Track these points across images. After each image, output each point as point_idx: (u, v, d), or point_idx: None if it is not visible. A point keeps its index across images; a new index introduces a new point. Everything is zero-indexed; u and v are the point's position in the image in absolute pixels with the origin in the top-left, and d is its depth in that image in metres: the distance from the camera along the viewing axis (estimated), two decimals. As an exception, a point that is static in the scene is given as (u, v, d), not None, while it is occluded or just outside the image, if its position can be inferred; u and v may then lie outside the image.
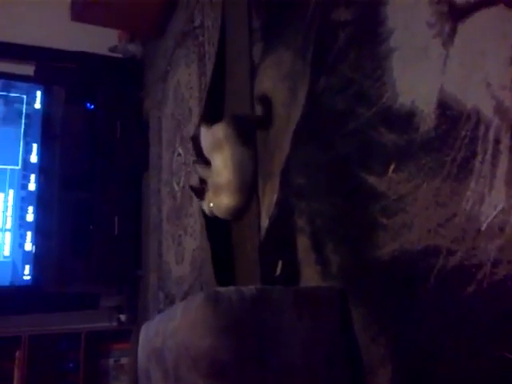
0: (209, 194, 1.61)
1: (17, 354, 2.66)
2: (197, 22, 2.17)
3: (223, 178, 1.52)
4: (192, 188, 1.75)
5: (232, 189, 1.52)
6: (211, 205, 1.60)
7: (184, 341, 0.94)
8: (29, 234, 2.76)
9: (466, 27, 0.83)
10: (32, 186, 2.81)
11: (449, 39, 0.86)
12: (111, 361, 2.92)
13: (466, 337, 0.79)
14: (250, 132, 1.53)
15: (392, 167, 0.96)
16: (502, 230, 0.74)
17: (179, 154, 2.34)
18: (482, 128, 0.78)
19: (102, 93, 2.98)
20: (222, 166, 1.52)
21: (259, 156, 1.52)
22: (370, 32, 1.05)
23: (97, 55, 3.12)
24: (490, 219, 0.76)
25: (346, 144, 1.11)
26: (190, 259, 2.11)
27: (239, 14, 1.71)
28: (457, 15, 0.84)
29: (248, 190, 1.52)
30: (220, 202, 1.56)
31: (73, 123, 2.91)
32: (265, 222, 1.45)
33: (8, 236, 2.73)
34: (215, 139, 1.54)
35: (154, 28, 2.73)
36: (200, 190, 1.66)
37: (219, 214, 1.60)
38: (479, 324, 0.77)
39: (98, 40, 3.10)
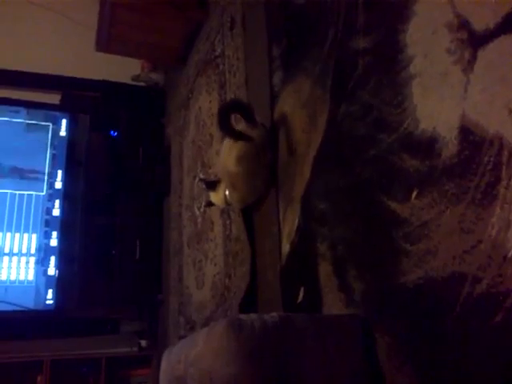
0: (222, 184, 1.68)
1: (38, 378, 2.67)
2: (218, 52, 2.22)
3: (233, 173, 1.58)
4: (203, 180, 1.81)
5: (240, 184, 1.58)
6: (227, 192, 1.66)
7: (207, 368, 0.93)
8: (52, 259, 2.80)
9: (486, 54, 0.83)
10: (56, 212, 2.87)
11: (469, 66, 0.86)
12: (132, 387, 2.90)
13: (494, 367, 0.77)
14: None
15: (415, 193, 0.95)
16: (529, 257, 0.72)
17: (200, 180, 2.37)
18: (505, 153, 0.78)
19: (125, 120, 3.06)
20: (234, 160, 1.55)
21: (280, 181, 1.53)
22: (389, 59, 1.06)
23: (120, 84, 3.22)
24: (516, 246, 0.74)
25: (367, 170, 1.11)
26: (211, 285, 2.11)
27: (259, 43, 1.75)
28: (477, 42, 0.85)
29: (259, 186, 1.57)
30: (233, 192, 1.62)
31: (97, 150, 2.99)
32: (286, 248, 1.45)
33: (32, 261, 2.78)
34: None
35: (176, 57, 2.80)
36: (212, 182, 1.73)
37: (233, 202, 1.66)
38: (508, 353, 0.75)
39: (122, 69, 3.20)
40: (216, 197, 1.74)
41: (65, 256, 2.80)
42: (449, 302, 0.85)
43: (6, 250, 2.76)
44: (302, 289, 1.33)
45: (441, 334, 0.87)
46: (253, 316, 1.01)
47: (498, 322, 0.76)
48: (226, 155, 1.59)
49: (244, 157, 1.54)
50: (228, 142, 1.60)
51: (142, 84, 3.28)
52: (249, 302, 1.62)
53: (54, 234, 2.84)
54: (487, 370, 0.78)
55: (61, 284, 2.76)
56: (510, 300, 0.74)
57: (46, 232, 2.83)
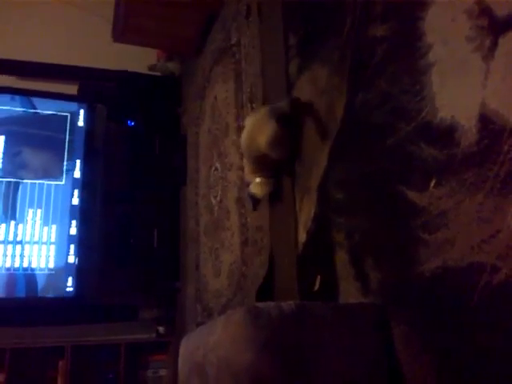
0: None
1: (60, 363, 2.73)
2: (233, 40, 2.22)
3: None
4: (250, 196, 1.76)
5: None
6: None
7: (225, 356, 0.95)
8: (72, 247, 2.85)
9: (508, 41, 0.82)
10: (75, 201, 2.92)
11: (489, 53, 0.85)
12: (150, 372, 2.96)
13: (511, 356, 0.77)
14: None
15: (433, 182, 0.95)
16: (549, 247, 0.72)
17: (216, 169, 2.38)
18: (526, 142, 0.77)
19: (141, 110, 3.08)
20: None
21: (297, 170, 1.53)
22: (407, 47, 1.05)
23: (137, 74, 3.23)
24: (536, 236, 0.74)
25: (385, 159, 1.10)
26: (227, 273, 2.13)
27: (275, 32, 1.74)
28: (497, 29, 0.84)
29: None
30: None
31: (114, 139, 3.01)
32: (302, 237, 1.46)
33: (52, 249, 2.84)
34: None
35: (192, 46, 2.80)
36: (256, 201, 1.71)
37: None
38: (527, 344, 0.75)
39: (138, 59, 3.21)
40: (257, 187, 1.67)
41: (84, 244, 2.85)
42: (467, 291, 0.84)
43: (27, 239, 2.81)
44: (319, 277, 1.34)
45: (458, 323, 0.87)
46: (270, 304, 1.02)
47: (517, 312, 0.75)
48: (257, 133, 1.53)
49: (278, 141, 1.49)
50: (259, 119, 1.54)
51: (158, 74, 3.29)
52: (265, 291, 1.64)
53: (74, 222, 2.88)
54: (505, 360, 0.78)
55: (80, 272, 2.81)
56: (529, 290, 0.74)
57: (65, 221, 2.88)
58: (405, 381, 0.98)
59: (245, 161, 1.70)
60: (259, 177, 1.63)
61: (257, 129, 1.54)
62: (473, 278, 0.84)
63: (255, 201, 1.70)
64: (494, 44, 0.84)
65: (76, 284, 2.80)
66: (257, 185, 1.65)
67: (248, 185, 1.69)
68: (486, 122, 0.84)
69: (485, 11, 0.86)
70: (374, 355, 1.02)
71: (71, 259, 2.83)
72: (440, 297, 0.92)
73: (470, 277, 0.84)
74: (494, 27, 0.85)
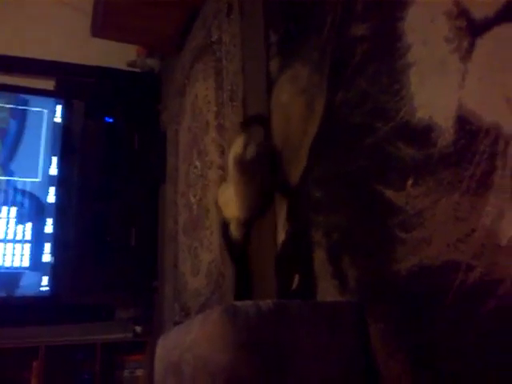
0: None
1: (34, 364, 2.68)
2: (214, 38, 2.20)
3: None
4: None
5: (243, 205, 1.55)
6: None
7: (202, 355, 0.94)
8: (47, 246, 2.80)
9: (485, 42, 0.83)
10: (51, 198, 2.86)
11: (467, 54, 0.86)
12: (126, 372, 2.92)
13: (486, 354, 0.78)
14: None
15: (410, 182, 0.96)
16: (523, 245, 0.73)
17: (196, 167, 2.36)
18: (501, 143, 0.78)
19: (120, 106, 3.03)
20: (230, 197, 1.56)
21: (276, 169, 1.53)
22: (387, 47, 1.06)
23: (116, 70, 3.18)
24: (510, 234, 0.75)
25: (363, 158, 1.11)
26: (206, 272, 2.11)
27: (256, 29, 1.73)
28: (475, 30, 0.85)
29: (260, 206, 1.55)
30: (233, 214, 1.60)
31: (92, 136, 2.96)
32: (281, 236, 1.45)
33: (27, 247, 2.78)
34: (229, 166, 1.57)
35: (172, 43, 2.77)
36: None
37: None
38: (499, 341, 0.76)
39: (117, 55, 3.17)
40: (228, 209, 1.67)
41: (60, 243, 2.79)
42: (442, 289, 0.85)
43: (1, 237, 2.75)
44: (297, 276, 1.34)
45: (434, 321, 0.88)
46: (248, 303, 1.01)
47: (491, 310, 0.76)
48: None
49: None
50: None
51: (137, 70, 3.25)
52: (243, 290, 1.63)
53: (49, 220, 2.83)
54: (479, 357, 0.79)
55: (56, 271, 2.75)
56: (503, 288, 0.75)
57: (41, 219, 2.82)
58: (381, 378, 0.99)
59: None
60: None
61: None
62: (448, 277, 0.85)
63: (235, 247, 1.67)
64: (472, 45, 0.85)
65: (51, 283, 2.74)
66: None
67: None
68: (462, 122, 0.85)
69: (463, 13, 0.87)
70: (351, 353, 1.02)
71: (46, 258, 2.78)
72: (416, 295, 0.93)
73: (445, 275, 0.85)
74: (471, 29, 0.86)
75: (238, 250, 1.66)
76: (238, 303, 1.01)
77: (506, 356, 0.74)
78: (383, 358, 0.99)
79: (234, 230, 1.62)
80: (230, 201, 1.59)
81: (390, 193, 1.01)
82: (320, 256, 1.24)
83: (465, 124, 0.85)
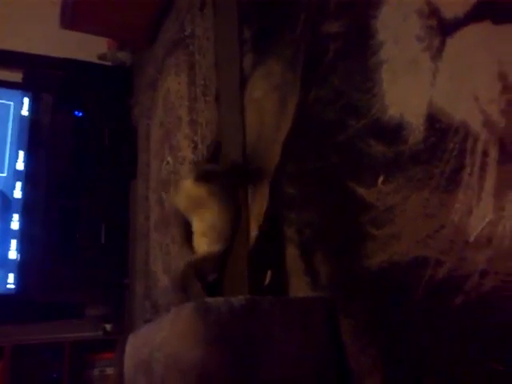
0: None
1: (-1, 364, 2.60)
2: (187, 32, 2.18)
3: (208, 233, 1.55)
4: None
5: (215, 241, 1.54)
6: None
7: (172, 353, 0.93)
8: (13, 242, 2.72)
9: (455, 41, 0.84)
10: (18, 194, 2.78)
11: (438, 53, 0.87)
12: (96, 371, 2.87)
13: (454, 348, 0.79)
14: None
15: (381, 179, 0.96)
16: (489, 241, 0.74)
17: (168, 163, 2.33)
18: (470, 141, 0.79)
19: (90, 100, 2.97)
20: (209, 222, 1.54)
21: (249, 165, 1.52)
22: (360, 44, 1.06)
23: (86, 62, 3.11)
24: (478, 231, 0.76)
25: (335, 155, 1.12)
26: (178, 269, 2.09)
27: (229, 25, 1.72)
28: (446, 29, 0.86)
29: (229, 239, 1.55)
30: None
31: (60, 130, 2.89)
32: (254, 232, 1.45)
33: (-9, 244, 2.69)
34: (195, 198, 1.56)
35: (144, 36, 2.73)
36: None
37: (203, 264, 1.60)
38: (467, 335, 0.77)
39: (87, 47, 3.09)
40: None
41: (26, 239, 2.72)
42: (412, 285, 0.87)
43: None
44: (269, 272, 1.34)
45: (404, 316, 0.89)
46: (219, 299, 1.01)
47: (459, 304, 0.78)
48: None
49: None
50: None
51: (108, 63, 3.18)
52: (214, 286, 1.62)
53: (16, 216, 2.74)
54: (448, 351, 0.80)
55: (22, 268, 2.68)
56: (470, 283, 0.77)
57: (6, 214, 2.74)
58: (352, 373, 1.00)
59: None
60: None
61: None
62: (418, 272, 0.86)
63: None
64: (443, 44, 0.86)
65: (17, 281, 2.67)
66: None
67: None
68: (433, 120, 0.86)
69: (434, 12, 0.88)
70: (323, 348, 1.03)
71: (12, 255, 2.70)
72: (386, 290, 0.94)
73: (415, 271, 0.87)
74: (442, 28, 0.87)
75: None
76: (210, 300, 1.00)
77: (475, 350, 0.76)
78: (354, 354, 1.00)
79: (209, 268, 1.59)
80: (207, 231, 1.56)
81: (361, 189, 1.02)
82: (292, 252, 1.24)
83: (435, 122, 0.86)
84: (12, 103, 2.87)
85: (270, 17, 1.49)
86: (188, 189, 1.59)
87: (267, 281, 1.34)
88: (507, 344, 0.71)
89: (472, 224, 0.77)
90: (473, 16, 0.81)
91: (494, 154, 0.75)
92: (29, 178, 2.79)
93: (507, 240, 0.72)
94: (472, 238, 0.77)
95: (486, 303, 0.74)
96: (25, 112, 2.88)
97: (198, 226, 1.60)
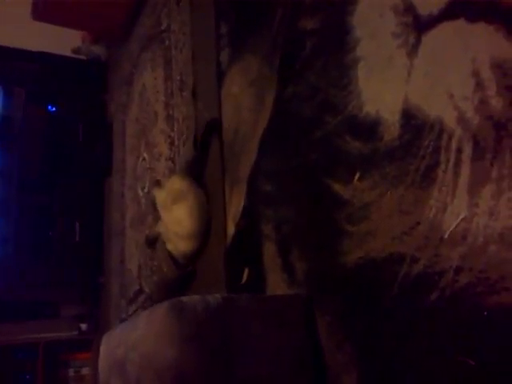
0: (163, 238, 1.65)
1: (-29, 365, 2.54)
2: (163, 26, 2.14)
3: (184, 227, 1.55)
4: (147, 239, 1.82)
5: (192, 235, 1.55)
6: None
7: (147, 352, 0.91)
8: (-16, 240, 2.65)
9: (430, 39, 0.85)
10: (-12, 190, 2.70)
11: (413, 50, 0.87)
12: (71, 371, 2.82)
13: (428, 343, 0.80)
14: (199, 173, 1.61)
15: (357, 175, 0.96)
16: (464, 238, 0.75)
17: (144, 159, 2.30)
18: (444, 138, 0.80)
19: (64, 95, 2.91)
20: (187, 215, 1.54)
21: (226, 161, 1.51)
22: (336, 41, 1.06)
23: (59, 56, 3.04)
24: (452, 227, 0.77)
25: (312, 151, 1.11)
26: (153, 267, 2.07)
27: (206, 19, 1.70)
28: (421, 26, 0.86)
29: (205, 233, 1.56)
30: (178, 248, 1.59)
31: (33, 125, 2.82)
32: (231, 229, 1.44)
33: (-38, 242, 2.61)
34: (175, 192, 1.58)
35: (119, 30, 2.67)
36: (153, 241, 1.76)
37: (178, 257, 1.62)
38: (441, 331, 0.78)
39: (61, 40, 3.02)
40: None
41: (-2, 237, 2.65)
42: (387, 281, 0.87)
43: None
44: (246, 270, 1.33)
45: (379, 312, 0.89)
46: (195, 298, 0.99)
47: (434, 300, 0.78)
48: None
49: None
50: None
51: (82, 57, 3.12)
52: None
53: (-14, 213, 2.67)
54: (422, 347, 0.81)
55: (-6, 267, 2.61)
56: (445, 279, 0.77)
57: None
58: (328, 368, 1.00)
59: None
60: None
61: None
62: (393, 269, 0.86)
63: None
64: (418, 41, 0.86)
65: (-11, 280, 2.60)
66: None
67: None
68: (408, 117, 0.87)
69: (409, 9, 0.89)
70: (299, 345, 1.03)
71: (-17, 253, 2.63)
72: (362, 287, 0.94)
73: (390, 267, 0.87)
74: (417, 25, 0.87)
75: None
76: (185, 298, 0.99)
77: (448, 346, 0.77)
78: (331, 350, 1.00)
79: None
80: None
81: (338, 186, 1.01)
82: (270, 249, 1.24)
83: (410, 119, 0.86)
84: (-18, 97, 2.79)
85: (246, 12, 1.48)
86: (172, 182, 1.64)
87: (245, 278, 1.33)
88: (480, 340, 0.72)
89: (447, 221, 0.78)
90: (447, 14, 0.81)
91: (468, 150, 0.76)
92: (1, 174, 2.72)
93: (481, 237, 0.73)
94: (447, 235, 0.78)
95: (460, 299, 0.75)
96: (-4, 106, 2.81)
97: (165, 221, 1.62)
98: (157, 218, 1.84)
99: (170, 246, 1.62)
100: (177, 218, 1.57)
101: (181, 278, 1.62)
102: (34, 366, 2.65)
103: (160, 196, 1.67)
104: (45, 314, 2.84)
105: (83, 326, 2.81)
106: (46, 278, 2.69)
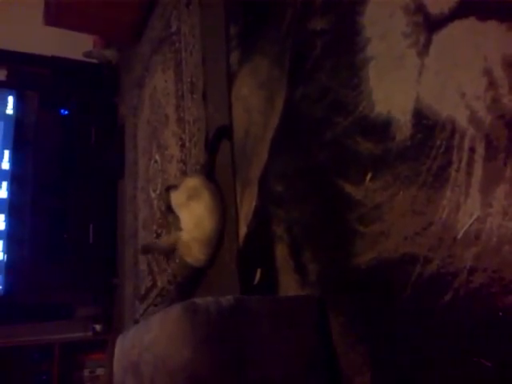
0: (179, 251, 1.65)
1: (-13, 366, 2.58)
2: (173, 28, 2.15)
3: (205, 227, 1.55)
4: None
5: (212, 237, 1.56)
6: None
7: (161, 354, 0.92)
8: (0, 243, 2.68)
9: (441, 38, 0.84)
10: (3, 194, 2.74)
11: (424, 49, 0.87)
12: (86, 372, 2.85)
13: (443, 345, 0.79)
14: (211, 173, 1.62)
15: (369, 176, 0.96)
16: (477, 238, 0.74)
17: (156, 161, 2.31)
18: (457, 137, 0.79)
19: (76, 98, 2.94)
20: (206, 210, 1.55)
21: (237, 163, 1.51)
22: (346, 41, 1.05)
23: (71, 60, 3.07)
24: (465, 227, 0.76)
25: (323, 152, 1.11)
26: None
27: (216, 21, 1.70)
28: (432, 26, 0.86)
29: (222, 231, 1.56)
30: (197, 258, 1.59)
31: (46, 129, 2.86)
32: (243, 231, 1.44)
33: (-22, 245, 2.65)
34: (190, 189, 1.60)
35: (130, 34, 2.70)
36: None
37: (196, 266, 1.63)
38: (456, 332, 0.77)
39: (73, 45, 3.05)
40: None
41: (13, 240, 2.68)
42: (400, 282, 0.86)
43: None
44: (259, 271, 1.33)
45: (393, 313, 0.89)
46: (208, 299, 1.00)
47: (448, 302, 0.78)
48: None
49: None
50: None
51: (94, 61, 3.15)
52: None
53: (2, 216, 2.71)
54: (436, 348, 0.80)
55: (9, 269, 2.65)
56: (459, 280, 0.77)
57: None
58: (341, 370, 1.00)
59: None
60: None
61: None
62: (406, 270, 0.86)
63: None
64: (429, 41, 0.86)
65: (5, 282, 2.64)
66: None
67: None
68: (419, 116, 0.86)
69: (419, 8, 0.88)
70: (312, 347, 1.03)
71: (-1, 256, 2.66)
72: (375, 288, 0.94)
73: (403, 268, 0.86)
74: (428, 24, 0.87)
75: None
76: (198, 300, 0.99)
77: (463, 347, 0.76)
78: (344, 351, 0.99)
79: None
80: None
81: (349, 187, 1.01)
82: (282, 250, 1.24)
83: (422, 118, 0.85)
84: (-4, 101, 2.83)
85: (256, 13, 1.48)
86: (186, 181, 1.66)
87: (257, 279, 1.33)
88: (495, 340, 0.71)
89: (460, 221, 0.77)
90: (458, 12, 0.81)
91: (480, 150, 0.75)
92: (15, 177, 2.76)
93: (494, 237, 0.72)
94: (460, 235, 0.77)
95: (475, 300, 0.74)
96: (9, 111, 2.84)
97: (186, 221, 1.62)
98: (164, 224, 1.85)
99: (189, 259, 1.61)
100: (197, 217, 1.57)
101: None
102: (49, 367, 2.69)
103: (175, 196, 1.67)
104: (60, 316, 2.87)
105: (97, 327, 2.83)
106: (60, 279, 2.72)
